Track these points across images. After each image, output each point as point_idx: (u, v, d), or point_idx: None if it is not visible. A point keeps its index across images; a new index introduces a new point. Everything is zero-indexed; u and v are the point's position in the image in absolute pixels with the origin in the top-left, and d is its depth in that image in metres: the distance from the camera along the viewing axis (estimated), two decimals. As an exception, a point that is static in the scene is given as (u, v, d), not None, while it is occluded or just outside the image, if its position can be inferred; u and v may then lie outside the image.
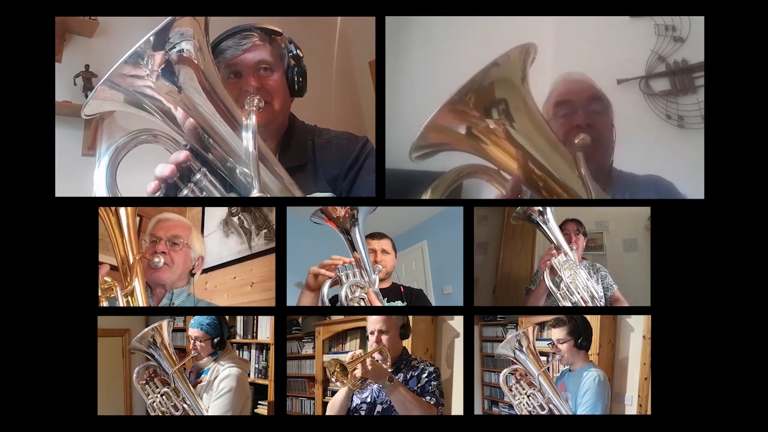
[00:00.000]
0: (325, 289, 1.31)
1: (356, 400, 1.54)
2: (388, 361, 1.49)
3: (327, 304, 1.33)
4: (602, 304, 1.55)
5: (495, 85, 1.28)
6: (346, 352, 1.49)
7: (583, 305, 1.51)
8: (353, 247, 1.40)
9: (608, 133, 1.55)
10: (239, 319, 2.19)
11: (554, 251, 1.56)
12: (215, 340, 1.60)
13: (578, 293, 1.51)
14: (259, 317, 2.11)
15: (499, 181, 1.39)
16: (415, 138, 1.31)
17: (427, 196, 1.36)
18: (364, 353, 1.45)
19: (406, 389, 1.46)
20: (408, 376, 1.53)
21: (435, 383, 1.51)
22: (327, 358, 2.15)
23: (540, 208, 1.57)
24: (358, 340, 2.12)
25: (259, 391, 2.06)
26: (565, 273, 1.52)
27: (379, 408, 1.52)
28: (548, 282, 1.53)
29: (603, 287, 1.62)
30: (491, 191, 1.45)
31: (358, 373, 1.41)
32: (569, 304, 1.51)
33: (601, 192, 1.35)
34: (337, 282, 1.34)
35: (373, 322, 1.55)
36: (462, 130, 1.31)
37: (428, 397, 1.48)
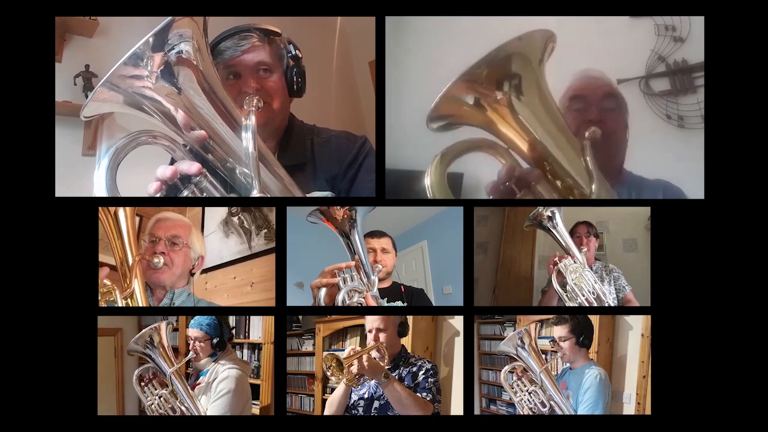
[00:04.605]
0: (322, 293, 1.31)
1: (354, 397, 1.55)
2: (385, 359, 1.50)
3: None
4: (615, 305, 1.58)
5: (512, 59, 1.26)
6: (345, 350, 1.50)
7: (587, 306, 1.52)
8: (352, 250, 1.40)
9: (620, 132, 1.55)
10: (231, 319, 2.19)
11: (560, 256, 1.57)
12: (215, 341, 1.58)
13: (583, 295, 1.52)
14: (251, 317, 2.10)
15: (506, 159, 1.37)
16: (429, 109, 1.29)
17: (435, 162, 1.32)
18: (361, 349, 1.46)
19: (401, 385, 1.46)
20: (404, 373, 1.54)
21: (432, 380, 1.51)
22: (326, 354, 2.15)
23: (549, 213, 1.58)
24: (359, 338, 2.12)
25: (251, 391, 2.05)
26: (570, 276, 1.53)
27: (376, 404, 1.52)
28: (555, 284, 1.54)
29: (616, 288, 1.64)
30: (495, 164, 1.40)
31: (354, 368, 1.41)
32: (575, 305, 1.52)
33: (606, 183, 1.35)
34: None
35: (371, 321, 1.56)
36: (470, 101, 1.29)
37: (424, 393, 1.48)
